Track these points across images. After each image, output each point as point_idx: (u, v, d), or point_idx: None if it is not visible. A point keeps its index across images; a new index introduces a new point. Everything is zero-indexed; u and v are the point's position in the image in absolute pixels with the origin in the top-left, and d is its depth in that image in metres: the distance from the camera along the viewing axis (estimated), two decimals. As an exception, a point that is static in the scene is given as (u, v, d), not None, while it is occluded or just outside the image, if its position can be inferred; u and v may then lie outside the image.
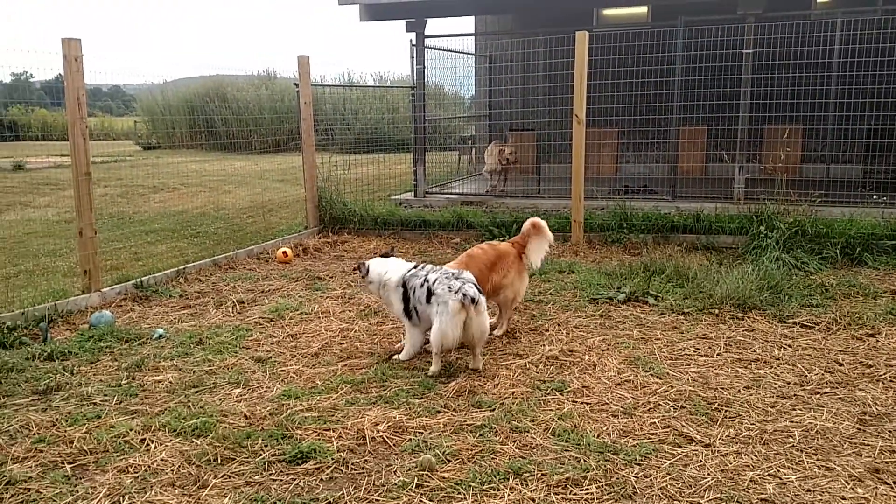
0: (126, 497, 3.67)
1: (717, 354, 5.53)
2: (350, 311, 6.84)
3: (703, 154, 12.83)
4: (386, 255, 5.80)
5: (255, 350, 5.79)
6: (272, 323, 6.48)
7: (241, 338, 6.05)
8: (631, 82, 11.07)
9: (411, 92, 12.48)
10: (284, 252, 9.04)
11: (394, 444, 4.21)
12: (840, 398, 4.73)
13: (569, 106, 9.39)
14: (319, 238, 10.17)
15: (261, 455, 4.08)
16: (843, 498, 3.57)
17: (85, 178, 6.91)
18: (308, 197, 10.46)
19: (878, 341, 5.74)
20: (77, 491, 3.72)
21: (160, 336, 6.08)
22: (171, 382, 5.12)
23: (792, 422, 4.39)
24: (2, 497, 3.65)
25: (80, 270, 7.14)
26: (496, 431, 4.29)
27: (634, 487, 3.69)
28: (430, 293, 5.08)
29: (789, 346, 5.69)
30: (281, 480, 3.83)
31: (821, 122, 10.80)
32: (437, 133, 16.04)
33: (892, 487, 3.66)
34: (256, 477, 3.85)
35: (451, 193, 12.70)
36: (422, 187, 12.37)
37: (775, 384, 4.96)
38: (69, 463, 4.00)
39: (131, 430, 4.35)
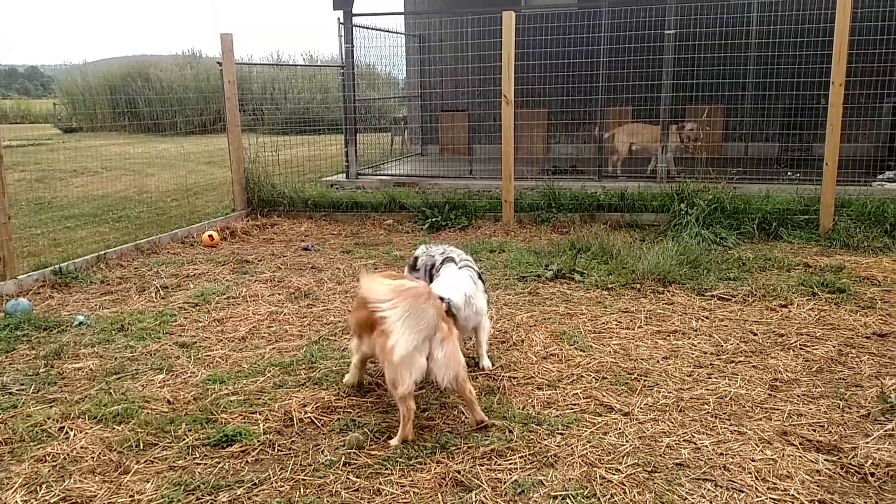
0: (44, 485, 3.57)
1: (638, 327, 5.70)
2: (279, 293, 6.77)
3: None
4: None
5: (180, 335, 5.68)
6: (197, 308, 6.36)
7: (164, 323, 5.93)
8: (558, 63, 11.21)
9: (341, 72, 12.34)
10: (210, 235, 8.86)
11: (322, 425, 4.21)
12: (753, 366, 4.94)
13: (498, 86, 9.46)
14: (248, 221, 10.00)
15: (184, 440, 4.03)
16: (753, 460, 3.75)
17: (-5, 161, 6.61)
18: (234, 179, 10.26)
19: (790, 312, 6.01)
20: (-11, 484, 3.61)
21: (81, 323, 5.90)
22: (91, 370, 4.98)
23: (707, 389, 4.58)
24: None
25: (-7, 257, 6.84)
26: (424, 408, 4.34)
27: (556, 456, 3.79)
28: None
29: (707, 317, 5.91)
30: (205, 464, 3.79)
31: (740, 102, 11.16)
32: (370, 114, 15.92)
33: (798, 448, 3.86)
34: (180, 461, 3.80)
35: (384, 174, 12.66)
36: (353, 168, 12.29)
37: (692, 354, 5.15)
38: (-18, 455, 3.86)
39: (49, 418, 4.23)
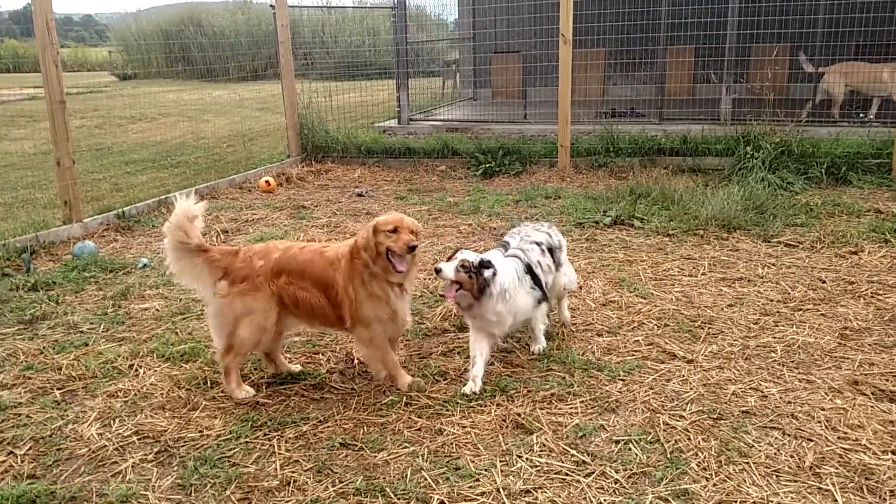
0: (117, 420, 3.70)
1: (701, 274, 5.57)
2: (336, 239, 6.80)
3: (690, 75, 12.64)
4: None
5: (241, 278, 5.76)
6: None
7: (226, 266, 6.01)
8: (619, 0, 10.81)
9: (392, 14, 12.13)
10: (267, 181, 8.93)
11: (382, 366, 4.24)
12: (822, 314, 4.79)
13: (555, 25, 9.17)
14: (302, 167, 10.04)
15: (250, 378, 4.12)
16: (822, 408, 3.65)
17: (59, 107, 6.72)
18: (289, 125, 10.27)
19: (860, 259, 5.79)
20: (67, 415, 3.75)
21: (145, 265, 6.04)
22: (157, 310, 5.11)
23: (774, 338, 4.46)
24: (-7, 423, 3.67)
25: (59, 202, 7.03)
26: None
27: (618, 402, 3.76)
28: (553, 251, 4.41)
29: (773, 264, 5.74)
30: (271, 402, 3.87)
31: (809, 40, 10.61)
32: (420, 57, 15.69)
33: (869, 398, 3.74)
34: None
35: (436, 120, 12.51)
36: (405, 114, 12.17)
37: (758, 302, 5.01)
38: (58, 389, 4.02)
39: (119, 356, 4.36)
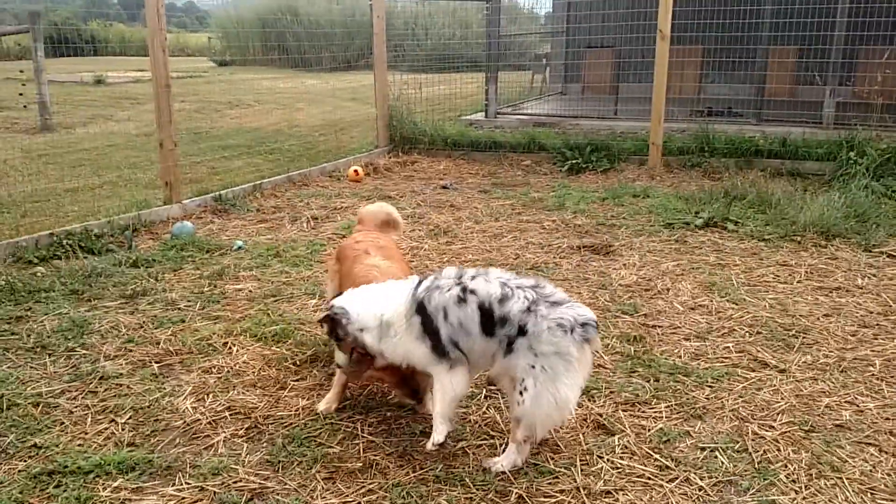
0: (210, 395, 3.87)
1: (797, 282, 5.37)
2: (420, 230, 6.88)
3: (792, 75, 12.13)
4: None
5: (329, 264, 5.91)
6: (344, 239, 6.57)
7: (315, 252, 6.19)
8: (719, -4, 10.47)
9: (485, 7, 12.13)
10: (356, 170, 9.11)
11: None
12: (926, 330, 4.55)
13: (652, 21, 8.97)
14: (390, 157, 10.19)
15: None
16: (925, 429, 3.48)
17: (165, 91, 7.04)
18: (379, 115, 10.43)
19: (971, 274, 5.46)
20: (164, 388, 3.94)
21: (239, 248, 6.27)
22: (250, 291, 5.30)
23: (873, 350, 4.26)
24: (97, 390, 3.90)
25: (160, 182, 7.37)
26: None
27: (705, 408, 3.68)
28: (498, 322, 3.09)
29: (874, 275, 5.47)
30: (354, 385, 3.97)
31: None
32: (510, 50, 15.64)
33: (977, 421, 3.54)
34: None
35: (523, 114, 12.46)
36: (493, 107, 12.16)
37: (857, 313, 4.80)
38: (157, 362, 4.22)
39: (214, 334, 4.55)
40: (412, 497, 3.06)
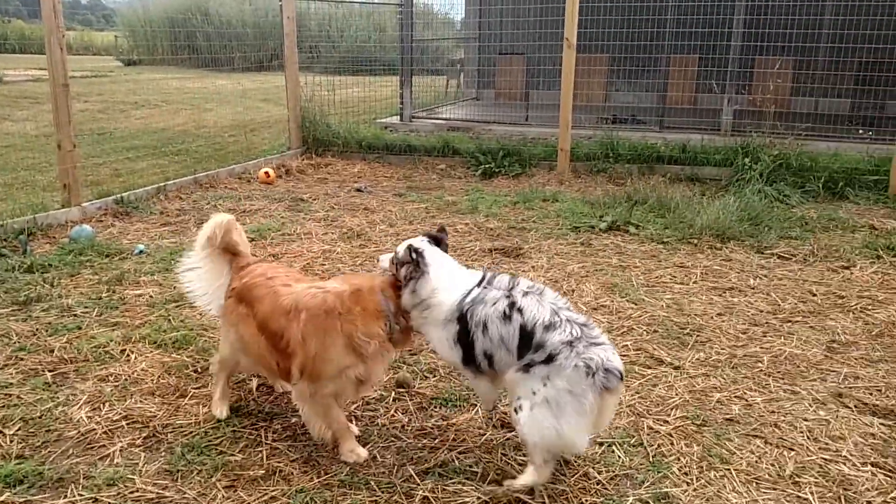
0: (107, 403, 3.73)
1: (693, 282, 5.61)
2: (332, 233, 6.83)
3: (692, 84, 12.68)
4: (437, 241, 3.39)
5: (237, 268, 5.79)
6: (254, 243, 6.46)
7: (222, 255, 6.04)
8: (624, 6, 10.83)
9: (399, 11, 12.16)
10: (267, 172, 8.96)
11: (372, 361, 4.28)
12: (811, 327, 4.83)
13: (560, 29, 9.20)
14: (303, 160, 10.07)
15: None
16: (806, 419, 3.69)
17: (63, 90, 6.75)
18: (291, 117, 10.29)
19: (852, 274, 5.83)
20: (58, 397, 3.78)
21: (141, 252, 6.07)
22: (151, 297, 5.13)
23: (762, 348, 4.50)
24: (-17, 402, 3.70)
25: (59, 185, 7.06)
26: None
27: (604, 405, 3.79)
28: (534, 347, 2.98)
29: (765, 275, 5.78)
30: (260, 392, 3.90)
31: (812, 55, 10.67)
32: (426, 55, 15.72)
33: (852, 411, 3.78)
34: (236, 389, 3.92)
35: (438, 118, 12.55)
36: (408, 111, 12.21)
37: (748, 312, 5.05)
38: (50, 371, 4.04)
39: (112, 340, 4.39)
40: (316, 502, 3.04)
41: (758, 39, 10.90)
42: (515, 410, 3.00)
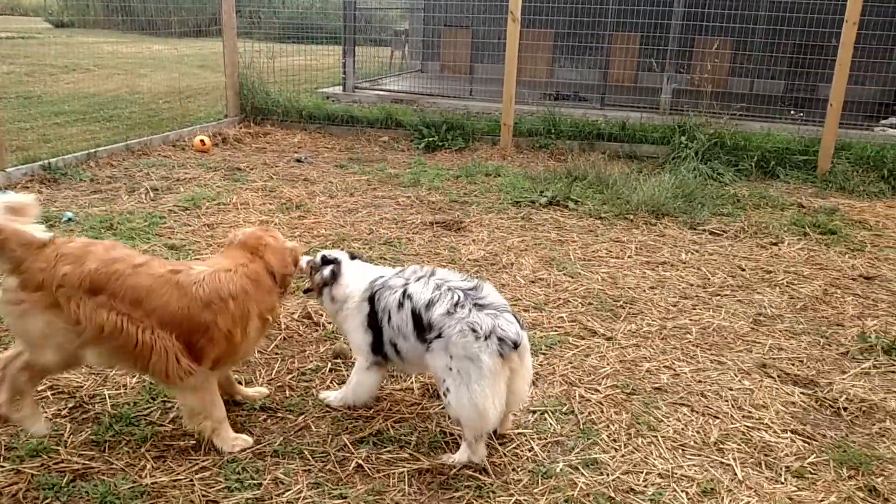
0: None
1: (628, 257, 5.72)
2: (270, 204, 6.72)
3: (634, 62, 12.85)
4: (353, 256, 3.60)
5: (169, 237, 5.65)
6: (188, 212, 6.32)
7: (154, 225, 5.89)
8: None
9: (343, -21, 11.93)
10: (202, 140, 8.72)
11: (309, 334, 4.25)
12: (738, 300, 4.99)
13: (505, 2, 9.17)
14: (240, 128, 9.84)
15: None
16: (731, 389, 3.83)
17: (-17, 48, 6.41)
18: (228, 84, 10.03)
19: (780, 249, 6.04)
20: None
21: (69, 219, 5.86)
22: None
23: (691, 320, 4.63)
24: None
25: (-20, 148, 6.73)
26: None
27: (538, 374, 3.85)
28: (426, 328, 3.09)
29: (696, 251, 5.93)
30: (192, 363, 3.83)
31: (750, 36, 10.91)
32: (370, 24, 15.50)
33: (775, 381, 3.93)
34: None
35: (382, 90, 12.41)
36: (351, 81, 12.04)
37: (679, 286, 5.19)
38: (-32, 341, 3.88)
39: (36, 310, 4.23)
40: (248, 472, 3.02)
41: (698, 19, 11.09)
42: (444, 394, 3.05)
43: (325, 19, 15.71)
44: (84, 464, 3.02)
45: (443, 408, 3.49)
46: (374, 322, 3.25)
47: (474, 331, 2.93)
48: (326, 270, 3.43)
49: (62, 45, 17.31)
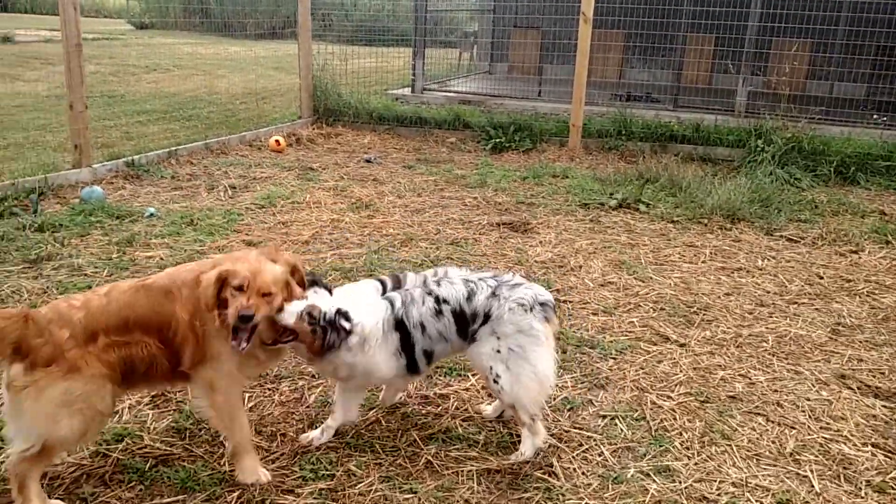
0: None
1: (702, 262, 5.61)
2: (341, 203, 6.84)
3: (709, 63, 12.57)
4: (315, 283, 3.11)
5: (246, 234, 5.82)
6: (263, 209, 6.49)
7: (232, 221, 6.08)
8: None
9: (414, -20, 12.04)
10: (277, 140, 8.95)
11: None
12: (816, 309, 4.84)
13: (577, 3, 9.11)
14: (313, 129, 10.05)
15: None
16: (808, 399, 3.72)
17: (75, 50, 6.73)
18: (303, 86, 10.25)
19: (860, 258, 5.83)
20: (68, 355, 3.82)
21: (151, 215, 6.10)
22: (161, 259, 5.17)
23: (767, 328, 4.51)
24: (-5, 357, 3.75)
25: (70, 145, 7.08)
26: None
27: (608, 378, 3.83)
28: (470, 320, 3.07)
29: (773, 257, 5.78)
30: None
31: (830, 38, 10.53)
32: (439, 26, 15.59)
33: (854, 392, 3.81)
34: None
35: (450, 91, 12.47)
36: (420, 83, 12.14)
37: (755, 292, 5.06)
38: (60, 329, 4.08)
39: (122, 301, 4.42)
40: (322, 463, 3.09)
41: (776, 21, 10.77)
42: (495, 381, 3.07)
43: (395, 21, 15.89)
44: (166, 450, 3.15)
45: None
46: (406, 344, 3.09)
47: (521, 304, 3.04)
48: (343, 323, 2.93)
49: (144, 46, 18.02)
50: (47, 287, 4.57)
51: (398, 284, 3.19)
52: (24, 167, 6.93)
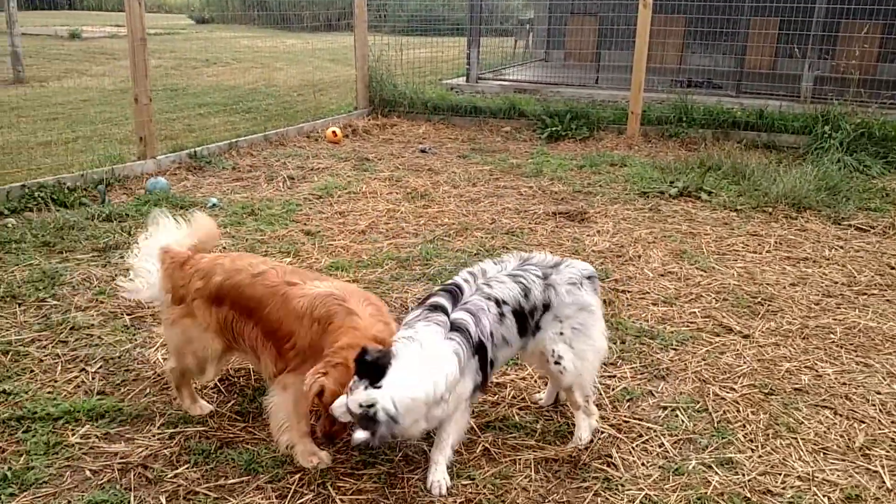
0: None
1: (766, 251, 5.46)
2: (397, 192, 6.88)
3: (772, 48, 12.18)
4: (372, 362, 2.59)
5: (305, 224, 5.91)
6: (321, 200, 6.57)
7: (291, 211, 6.17)
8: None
9: (469, -31, 11.99)
10: (334, 132, 9.05)
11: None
12: (887, 300, 4.66)
13: (635, -12, 8.94)
14: (369, 120, 10.12)
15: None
16: (878, 392, 3.59)
17: (140, 44, 6.92)
18: (359, 77, 10.33)
19: (935, 248, 5.59)
20: (136, 339, 3.96)
21: (214, 205, 6.24)
22: (224, 249, 5.28)
23: (835, 319, 4.37)
24: (67, 340, 3.90)
25: (135, 138, 7.28)
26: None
27: (668, 370, 3.76)
28: (530, 314, 3.00)
29: (841, 247, 5.58)
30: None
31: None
32: (494, 14, 15.49)
33: (930, 387, 3.65)
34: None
35: (505, 80, 12.40)
36: (474, 72, 12.09)
37: (822, 283, 4.90)
38: (128, 314, 4.23)
39: (186, 288, 4.54)
40: (381, 448, 3.11)
41: (844, 2, 10.36)
42: (556, 362, 3.05)
43: (449, 11, 15.86)
44: (231, 432, 3.22)
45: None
46: (483, 362, 2.87)
47: (573, 283, 3.08)
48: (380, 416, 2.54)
49: (204, 41, 18.41)
50: (115, 274, 4.71)
51: (457, 299, 2.90)
52: (92, 159, 7.16)
